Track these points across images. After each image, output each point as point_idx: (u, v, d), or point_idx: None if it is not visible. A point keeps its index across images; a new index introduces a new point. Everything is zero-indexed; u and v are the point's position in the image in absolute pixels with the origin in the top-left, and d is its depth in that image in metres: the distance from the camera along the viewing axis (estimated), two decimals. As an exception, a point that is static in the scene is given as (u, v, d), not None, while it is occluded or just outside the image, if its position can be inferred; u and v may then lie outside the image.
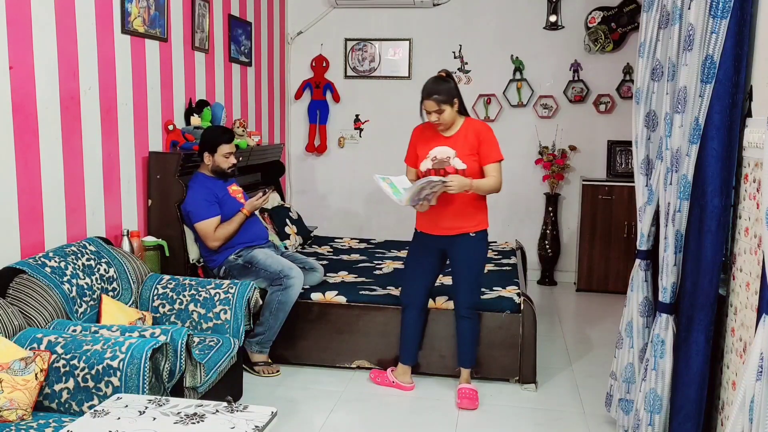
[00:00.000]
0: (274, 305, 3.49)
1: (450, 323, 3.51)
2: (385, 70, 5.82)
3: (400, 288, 3.56)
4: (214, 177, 3.63)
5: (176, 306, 3.12)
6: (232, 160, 3.64)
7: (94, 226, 3.23)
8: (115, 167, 3.40)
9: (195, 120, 4.05)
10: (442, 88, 3.12)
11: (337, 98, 5.88)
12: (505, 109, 5.70)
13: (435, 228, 3.29)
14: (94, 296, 2.82)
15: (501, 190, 3.25)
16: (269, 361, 3.62)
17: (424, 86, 3.17)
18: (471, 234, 3.26)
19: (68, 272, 2.73)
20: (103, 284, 2.90)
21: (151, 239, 3.49)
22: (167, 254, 3.52)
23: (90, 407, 2.20)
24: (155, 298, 3.14)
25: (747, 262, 2.20)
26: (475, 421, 3.15)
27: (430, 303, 3.55)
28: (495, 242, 5.09)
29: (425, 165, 3.23)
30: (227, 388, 2.96)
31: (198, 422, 1.87)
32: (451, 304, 3.51)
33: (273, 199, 4.80)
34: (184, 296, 3.13)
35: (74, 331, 2.49)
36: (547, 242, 5.62)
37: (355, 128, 5.95)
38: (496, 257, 4.57)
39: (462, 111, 3.26)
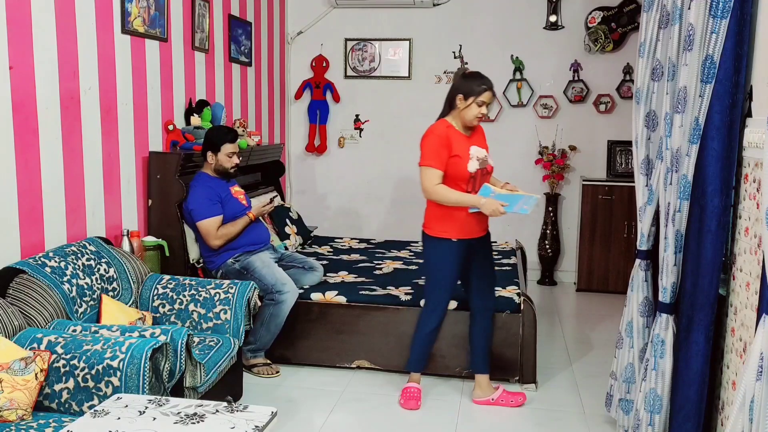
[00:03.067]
0: (266, 318, 3.49)
1: (449, 323, 3.51)
2: (385, 70, 5.81)
3: (427, 302, 3.32)
4: (216, 177, 3.64)
5: (176, 306, 3.12)
6: (235, 159, 3.64)
7: (94, 226, 3.23)
8: (115, 167, 3.40)
9: (195, 120, 4.05)
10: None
11: (337, 98, 5.88)
12: (505, 109, 5.70)
13: (477, 230, 3.20)
14: (94, 296, 2.82)
15: None
16: (268, 362, 3.62)
17: (483, 79, 3.09)
18: (489, 230, 3.35)
19: (68, 272, 2.73)
20: (103, 284, 2.90)
21: (151, 239, 3.49)
22: (167, 254, 3.52)
23: (90, 407, 2.20)
24: (155, 298, 3.14)
25: (747, 262, 2.20)
26: (475, 421, 3.15)
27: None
28: (495, 242, 5.09)
29: (473, 165, 3.11)
30: (227, 388, 2.96)
31: (198, 422, 1.87)
32: (451, 305, 3.48)
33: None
34: (184, 296, 3.13)
35: (74, 331, 2.49)
36: (547, 242, 5.62)
37: (355, 128, 5.95)
38: (496, 257, 4.56)
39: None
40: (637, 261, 2.82)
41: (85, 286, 2.79)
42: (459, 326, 3.51)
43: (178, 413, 1.93)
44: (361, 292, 3.69)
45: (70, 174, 3.05)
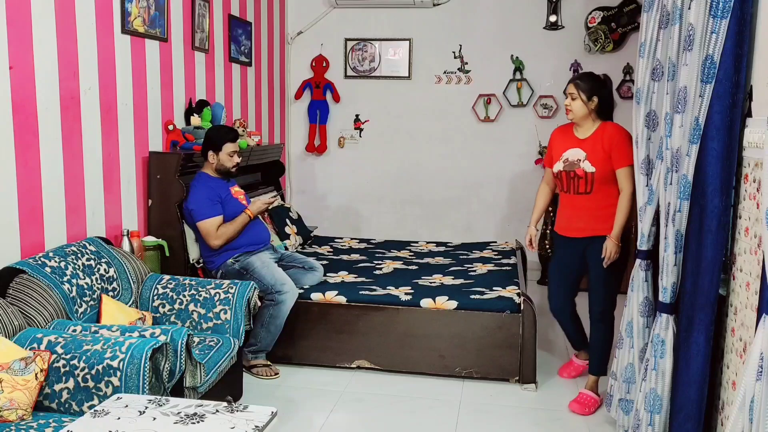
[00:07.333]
0: (266, 319, 3.49)
1: (449, 323, 3.52)
2: (385, 70, 5.82)
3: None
4: (217, 177, 3.64)
5: (176, 306, 3.12)
6: (236, 159, 3.64)
7: (94, 226, 3.23)
8: (115, 167, 3.40)
9: (195, 120, 4.05)
10: (587, 81, 3.22)
11: (337, 98, 5.88)
12: (505, 109, 5.70)
13: (567, 228, 3.42)
14: (94, 296, 2.82)
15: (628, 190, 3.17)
16: (268, 363, 3.61)
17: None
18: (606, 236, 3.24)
19: (68, 272, 2.73)
20: (103, 284, 2.90)
21: (151, 239, 3.50)
22: (167, 254, 3.52)
23: (90, 407, 2.20)
24: (155, 298, 3.14)
25: (747, 262, 2.20)
26: (475, 421, 3.15)
27: (430, 303, 3.55)
28: (495, 242, 5.10)
29: (557, 167, 3.30)
30: (227, 388, 2.96)
31: (198, 422, 1.87)
32: (451, 305, 3.53)
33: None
34: (184, 296, 3.13)
35: (74, 331, 2.49)
36: (547, 242, 5.61)
37: (355, 128, 5.95)
38: (496, 257, 4.57)
39: (604, 116, 3.25)
40: (638, 261, 2.82)
41: (85, 286, 2.79)
42: (459, 326, 3.52)
43: (178, 413, 1.93)
44: (361, 292, 3.69)
45: (70, 174, 3.05)
